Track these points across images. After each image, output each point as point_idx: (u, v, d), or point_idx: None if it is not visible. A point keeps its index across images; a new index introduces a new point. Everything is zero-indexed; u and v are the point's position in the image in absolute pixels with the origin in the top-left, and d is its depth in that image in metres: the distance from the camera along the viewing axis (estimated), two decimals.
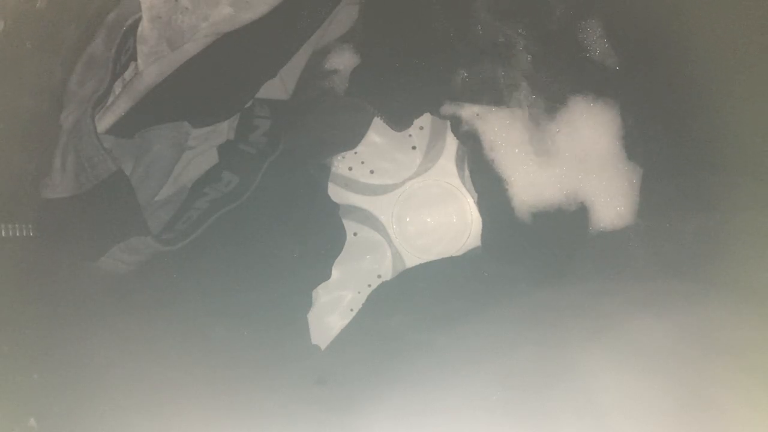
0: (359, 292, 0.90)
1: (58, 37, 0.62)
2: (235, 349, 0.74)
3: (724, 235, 0.69)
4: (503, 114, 0.81)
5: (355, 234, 0.91)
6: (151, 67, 0.68)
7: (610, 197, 0.78)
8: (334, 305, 0.90)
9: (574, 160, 0.79)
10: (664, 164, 0.77)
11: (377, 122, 0.88)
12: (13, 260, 0.58)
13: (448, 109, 0.82)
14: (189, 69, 0.69)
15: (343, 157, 0.91)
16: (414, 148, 0.92)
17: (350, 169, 0.91)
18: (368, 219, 0.92)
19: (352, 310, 0.88)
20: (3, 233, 0.57)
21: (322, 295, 0.89)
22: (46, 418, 0.55)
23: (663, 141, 0.77)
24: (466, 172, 0.90)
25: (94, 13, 0.65)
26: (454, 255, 0.90)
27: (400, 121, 0.86)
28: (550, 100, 0.80)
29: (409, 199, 0.92)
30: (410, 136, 0.91)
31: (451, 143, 0.91)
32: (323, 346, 0.85)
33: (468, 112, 0.82)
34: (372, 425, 0.67)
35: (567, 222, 0.79)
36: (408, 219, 0.92)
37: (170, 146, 0.74)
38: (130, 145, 0.73)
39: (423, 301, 0.85)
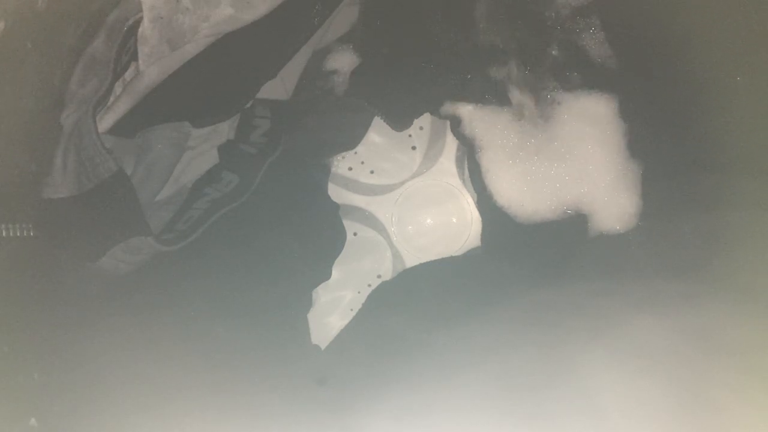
0: (359, 292, 0.90)
1: (58, 38, 0.62)
2: (235, 349, 0.74)
3: (724, 235, 0.69)
4: (503, 114, 0.81)
5: (355, 234, 0.91)
6: (151, 68, 0.68)
7: (610, 197, 0.78)
8: (334, 305, 0.90)
9: (575, 159, 0.79)
10: (664, 164, 0.77)
11: (377, 122, 0.88)
12: (13, 260, 0.58)
13: (448, 109, 0.82)
14: (190, 69, 0.69)
15: (343, 157, 0.91)
16: (414, 148, 0.92)
17: (350, 169, 0.91)
18: (368, 219, 0.92)
19: (352, 310, 0.88)
20: (3, 233, 0.57)
21: (322, 295, 0.89)
22: (47, 418, 0.55)
23: (663, 141, 0.77)
24: (466, 172, 0.90)
25: (94, 14, 0.65)
26: (454, 255, 0.90)
27: (400, 121, 0.86)
28: (551, 101, 0.80)
29: (409, 199, 0.92)
30: (410, 136, 0.91)
31: (451, 143, 0.91)
32: (323, 346, 0.85)
33: (468, 112, 0.82)
34: (372, 425, 0.67)
35: (567, 222, 0.79)
36: (408, 219, 0.92)
37: (171, 146, 0.74)
38: (131, 145, 0.73)
39: (423, 301, 0.85)
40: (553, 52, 0.81)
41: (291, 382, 0.75)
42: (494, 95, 0.82)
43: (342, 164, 0.91)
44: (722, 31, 0.69)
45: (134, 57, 0.68)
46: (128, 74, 0.71)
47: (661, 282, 0.72)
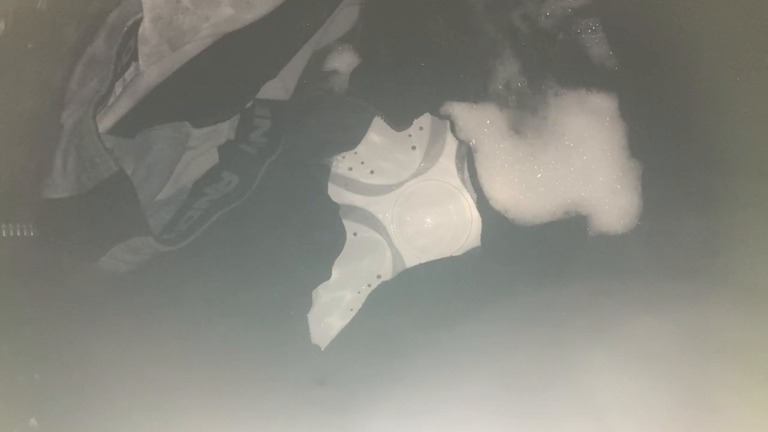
0: (359, 292, 0.90)
1: (58, 38, 0.62)
2: (235, 349, 0.74)
3: (724, 235, 0.69)
4: (503, 114, 0.81)
5: (355, 234, 0.91)
6: (152, 68, 0.68)
7: (610, 197, 0.78)
8: (334, 305, 0.90)
9: (575, 160, 0.79)
10: (664, 164, 0.77)
11: (377, 122, 0.88)
12: (13, 260, 0.58)
13: (448, 109, 0.82)
14: (190, 69, 0.69)
15: (343, 157, 0.91)
16: (414, 148, 0.92)
17: (350, 169, 0.91)
18: (368, 219, 0.92)
19: (352, 310, 0.88)
20: (3, 233, 0.57)
21: (322, 295, 0.89)
22: (47, 418, 0.55)
23: (663, 141, 0.77)
24: (466, 172, 0.90)
25: (94, 14, 0.65)
26: (454, 255, 0.90)
27: (400, 121, 0.86)
28: (550, 101, 0.80)
29: (409, 199, 0.92)
30: (410, 136, 0.91)
31: (451, 143, 0.91)
32: (323, 346, 0.85)
33: (468, 112, 0.82)
34: (372, 425, 0.67)
35: (567, 222, 0.79)
36: (408, 219, 0.92)
37: (171, 146, 0.74)
38: (131, 145, 0.73)
39: (423, 301, 0.85)
40: (553, 53, 0.81)
41: (291, 382, 0.75)
42: (494, 95, 0.82)
43: (342, 164, 0.91)
44: (722, 31, 0.69)
45: (134, 57, 0.68)
46: (128, 74, 0.71)
47: (661, 282, 0.72)
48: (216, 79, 0.74)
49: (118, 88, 0.70)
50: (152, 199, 0.75)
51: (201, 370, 0.69)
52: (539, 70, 0.81)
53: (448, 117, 0.83)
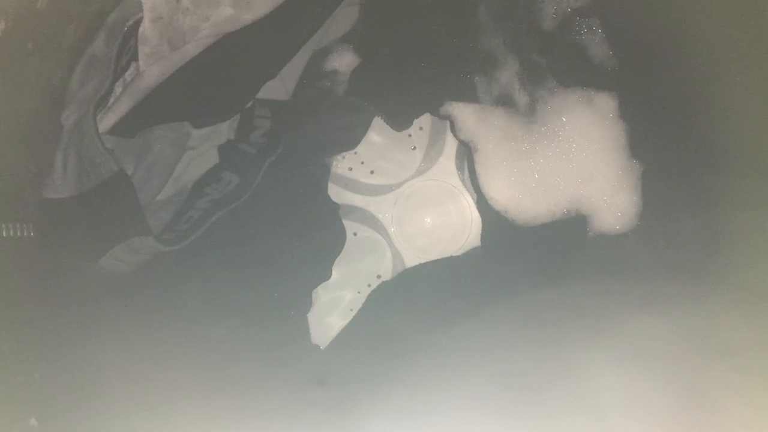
0: (359, 292, 0.90)
1: (58, 38, 0.62)
2: (235, 349, 0.74)
3: (724, 235, 0.69)
4: (503, 114, 0.81)
5: (355, 234, 0.91)
6: (152, 68, 0.68)
7: (610, 197, 0.78)
8: (334, 305, 0.90)
9: (574, 160, 0.79)
10: (664, 164, 0.77)
11: (377, 122, 0.88)
12: (13, 260, 0.58)
13: (448, 109, 0.82)
14: (190, 69, 0.69)
15: (343, 157, 0.91)
16: (414, 148, 0.92)
17: (350, 169, 0.91)
18: (368, 219, 0.92)
19: (352, 310, 0.88)
20: (3, 233, 0.57)
21: (322, 295, 0.89)
22: (47, 418, 0.55)
23: (663, 141, 0.77)
24: (466, 172, 0.90)
25: (95, 14, 0.65)
26: (454, 255, 0.90)
27: (400, 121, 0.86)
28: (550, 101, 0.80)
29: (409, 199, 0.92)
30: (410, 136, 0.91)
31: (451, 143, 0.91)
32: (323, 346, 0.85)
33: (468, 112, 0.82)
34: (372, 425, 0.67)
35: (567, 222, 0.79)
36: (408, 219, 0.92)
37: (171, 146, 0.74)
38: (131, 146, 0.73)
39: (423, 301, 0.85)
40: (553, 53, 0.81)
41: (291, 382, 0.75)
42: (494, 95, 0.82)
43: (342, 164, 0.91)
44: (722, 31, 0.69)
45: (134, 57, 0.68)
46: (128, 74, 0.71)
47: (661, 282, 0.72)
48: (216, 79, 0.74)
49: (118, 88, 0.70)
50: (152, 199, 0.75)
51: (201, 370, 0.69)
52: (539, 70, 0.81)
53: (448, 117, 0.83)
